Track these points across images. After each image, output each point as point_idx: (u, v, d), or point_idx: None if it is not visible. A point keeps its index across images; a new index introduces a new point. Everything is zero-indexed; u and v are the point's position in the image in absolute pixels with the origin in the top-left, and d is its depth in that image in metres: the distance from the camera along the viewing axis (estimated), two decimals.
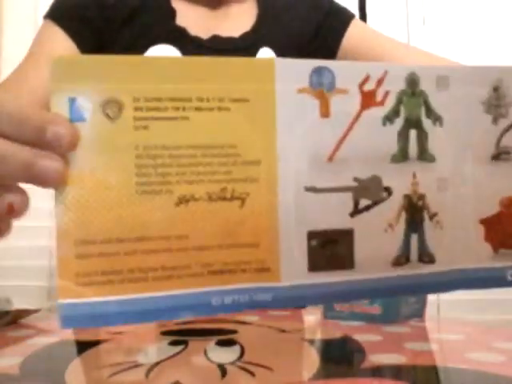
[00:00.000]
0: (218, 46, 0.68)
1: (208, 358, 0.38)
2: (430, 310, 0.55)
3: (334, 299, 0.44)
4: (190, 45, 0.67)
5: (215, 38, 0.68)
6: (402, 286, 0.32)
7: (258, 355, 0.39)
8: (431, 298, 0.55)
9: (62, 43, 0.65)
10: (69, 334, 0.48)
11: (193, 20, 0.69)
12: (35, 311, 0.56)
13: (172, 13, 0.68)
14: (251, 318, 0.55)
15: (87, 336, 0.48)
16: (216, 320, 0.55)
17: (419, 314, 0.54)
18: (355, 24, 0.73)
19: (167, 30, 0.67)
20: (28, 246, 1.35)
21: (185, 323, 0.54)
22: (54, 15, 0.66)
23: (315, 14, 0.73)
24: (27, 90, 0.61)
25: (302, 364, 0.38)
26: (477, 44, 1.35)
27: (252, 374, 0.34)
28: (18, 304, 0.55)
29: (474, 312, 1.25)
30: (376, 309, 0.51)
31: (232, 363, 0.36)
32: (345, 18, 0.73)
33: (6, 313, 0.53)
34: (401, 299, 0.52)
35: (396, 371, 0.36)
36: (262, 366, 0.36)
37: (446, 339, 0.46)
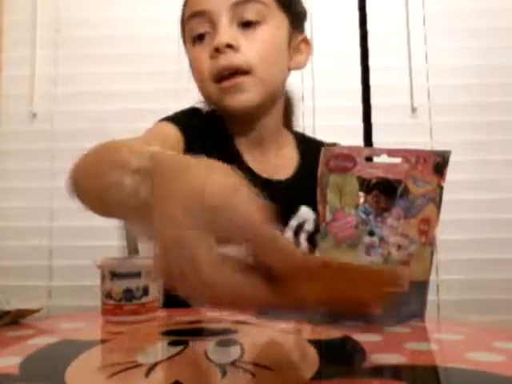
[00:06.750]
0: (271, 187, 0.74)
1: (208, 358, 0.38)
2: (429, 310, 0.55)
3: None
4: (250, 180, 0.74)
5: (268, 180, 0.76)
6: None
7: (258, 355, 0.39)
8: (431, 298, 0.55)
9: (172, 130, 0.73)
10: (69, 334, 0.48)
11: (250, 160, 0.77)
12: (35, 311, 0.56)
13: (238, 153, 0.77)
14: (251, 317, 0.55)
15: (87, 336, 0.48)
16: (216, 320, 0.55)
17: (419, 313, 0.54)
18: None
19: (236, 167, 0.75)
20: (28, 246, 1.35)
21: (185, 323, 0.54)
22: (170, 119, 0.75)
23: None
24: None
25: (302, 364, 0.38)
26: (477, 43, 1.35)
27: (252, 374, 0.34)
28: (17, 304, 0.55)
29: (474, 312, 1.25)
30: (376, 309, 0.51)
31: (232, 363, 0.36)
32: None
33: (6, 313, 0.53)
34: (401, 299, 0.52)
35: (396, 371, 0.36)
36: (262, 366, 0.36)
37: (446, 339, 0.46)
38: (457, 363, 0.37)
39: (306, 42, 0.80)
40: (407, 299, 0.52)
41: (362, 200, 0.52)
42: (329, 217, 0.52)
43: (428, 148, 0.53)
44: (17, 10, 1.44)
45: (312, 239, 0.74)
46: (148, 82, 1.39)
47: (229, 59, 0.70)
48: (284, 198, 0.71)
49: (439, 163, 0.53)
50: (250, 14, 0.71)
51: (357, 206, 0.52)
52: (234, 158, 0.75)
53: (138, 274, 0.54)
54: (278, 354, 0.42)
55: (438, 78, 1.35)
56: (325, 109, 1.33)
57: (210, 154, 0.77)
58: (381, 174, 0.52)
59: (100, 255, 0.59)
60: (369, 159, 0.53)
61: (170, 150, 0.69)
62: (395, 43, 1.37)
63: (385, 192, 0.52)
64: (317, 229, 0.71)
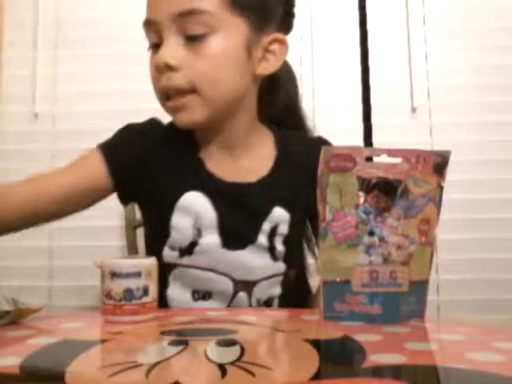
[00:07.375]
0: (239, 191, 0.72)
1: (208, 358, 0.38)
2: (429, 310, 0.55)
3: None
4: (215, 187, 0.72)
5: (235, 183, 0.73)
6: None
7: (257, 355, 0.39)
8: (431, 298, 0.55)
9: (98, 166, 0.72)
10: (69, 334, 0.48)
11: (216, 166, 0.74)
12: (35, 311, 0.56)
13: (201, 161, 0.74)
14: (251, 317, 0.55)
15: (87, 336, 0.48)
16: (216, 320, 0.55)
17: (419, 314, 0.54)
18: None
19: (199, 176, 0.73)
20: (28, 246, 1.35)
21: (185, 323, 0.54)
22: (103, 148, 0.74)
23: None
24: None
25: (302, 364, 0.38)
26: (477, 43, 1.35)
27: (252, 374, 0.34)
28: (17, 304, 0.55)
29: (474, 312, 1.25)
30: (376, 309, 0.51)
31: (232, 363, 0.36)
32: None
33: (6, 313, 0.53)
34: (401, 299, 0.52)
35: (396, 371, 0.36)
36: (262, 366, 0.36)
37: (446, 339, 0.46)
38: (457, 363, 0.37)
39: (280, 41, 0.72)
40: (407, 299, 0.52)
41: (362, 200, 0.52)
42: (329, 217, 0.52)
43: (428, 148, 0.53)
44: (17, 10, 1.44)
45: (288, 243, 0.72)
46: (148, 82, 1.39)
47: (169, 80, 0.67)
48: (253, 200, 0.71)
49: (439, 163, 0.53)
50: (194, 27, 0.66)
51: (357, 206, 0.52)
52: (195, 163, 0.73)
53: (138, 274, 0.54)
54: (278, 354, 0.42)
55: (438, 78, 1.35)
56: (325, 109, 1.33)
57: (169, 160, 0.74)
58: (381, 174, 0.52)
59: (100, 255, 0.60)
60: (369, 159, 0.53)
61: (87, 178, 0.71)
62: (395, 43, 1.37)
63: (385, 192, 0.52)
64: (291, 231, 0.72)
